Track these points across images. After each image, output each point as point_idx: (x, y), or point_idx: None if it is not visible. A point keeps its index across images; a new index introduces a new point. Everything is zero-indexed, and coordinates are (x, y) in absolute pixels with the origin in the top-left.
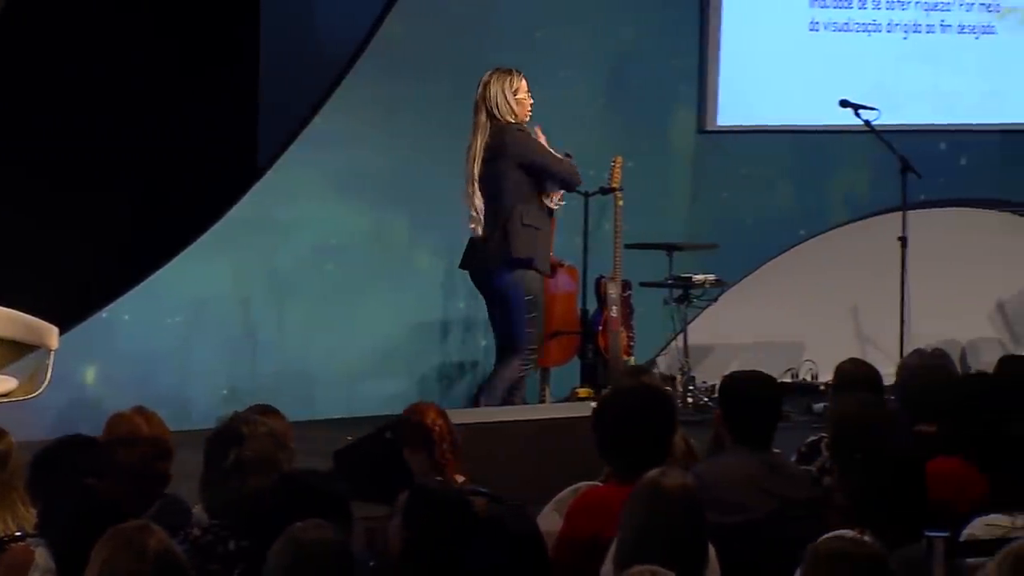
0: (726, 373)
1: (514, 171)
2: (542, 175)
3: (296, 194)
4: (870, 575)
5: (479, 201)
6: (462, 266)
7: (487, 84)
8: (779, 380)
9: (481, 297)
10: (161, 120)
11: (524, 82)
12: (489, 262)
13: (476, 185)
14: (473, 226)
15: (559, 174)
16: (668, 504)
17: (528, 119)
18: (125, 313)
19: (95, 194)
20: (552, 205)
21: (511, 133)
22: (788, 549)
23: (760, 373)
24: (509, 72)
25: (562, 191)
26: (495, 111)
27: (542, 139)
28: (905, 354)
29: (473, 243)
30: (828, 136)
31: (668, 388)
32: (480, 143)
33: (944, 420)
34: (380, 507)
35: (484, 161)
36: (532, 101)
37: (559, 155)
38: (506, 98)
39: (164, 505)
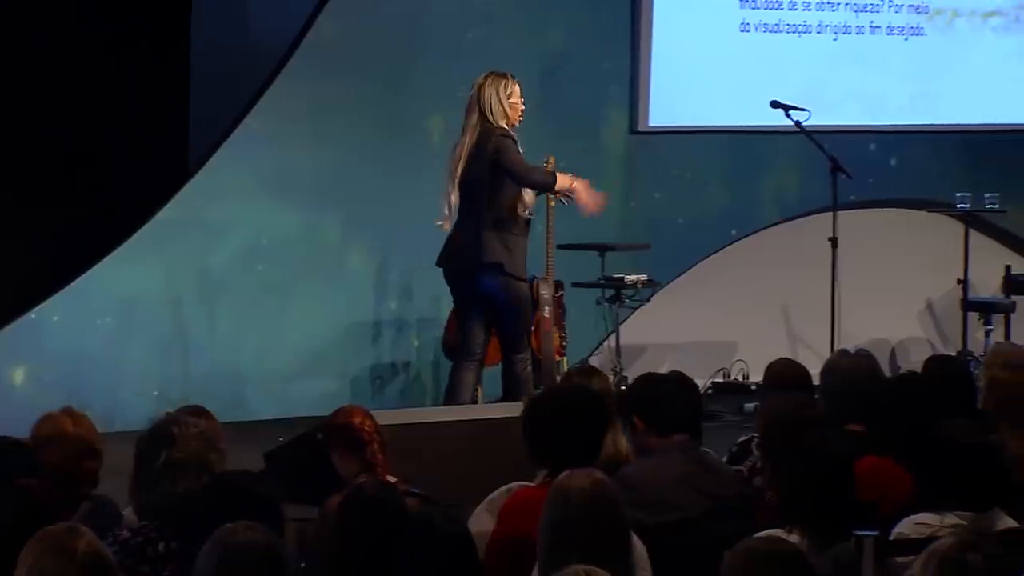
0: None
1: (495, 176)
2: (521, 184)
3: (227, 194)
4: (789, 574)
5: (455, 199)
6: (438, 263)
7: (481, 87)
8: (710, 380)
9: (411, 297)
10: (91, 120)
11: (518, 87)
12: (463, 262)
13: (456, 184)
14: (440, 223)
15: (537, 184)
16: (576, 506)
17: (519, 123)
18: (54, 314)
19: (24, 195)
20: (524, 215)
21: (497, 138)
22: (719, 548)
23: (671, 372)
24: (504, 76)
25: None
26: (488, 113)
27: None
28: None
29: (451, 241)
30: (759, 137)
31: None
32: (468, 144)
33: (872, 420)
34: (311, 508)
35: (468, 163)
36: (524, 107)
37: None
38: (500, 101)
39: (93, 507)
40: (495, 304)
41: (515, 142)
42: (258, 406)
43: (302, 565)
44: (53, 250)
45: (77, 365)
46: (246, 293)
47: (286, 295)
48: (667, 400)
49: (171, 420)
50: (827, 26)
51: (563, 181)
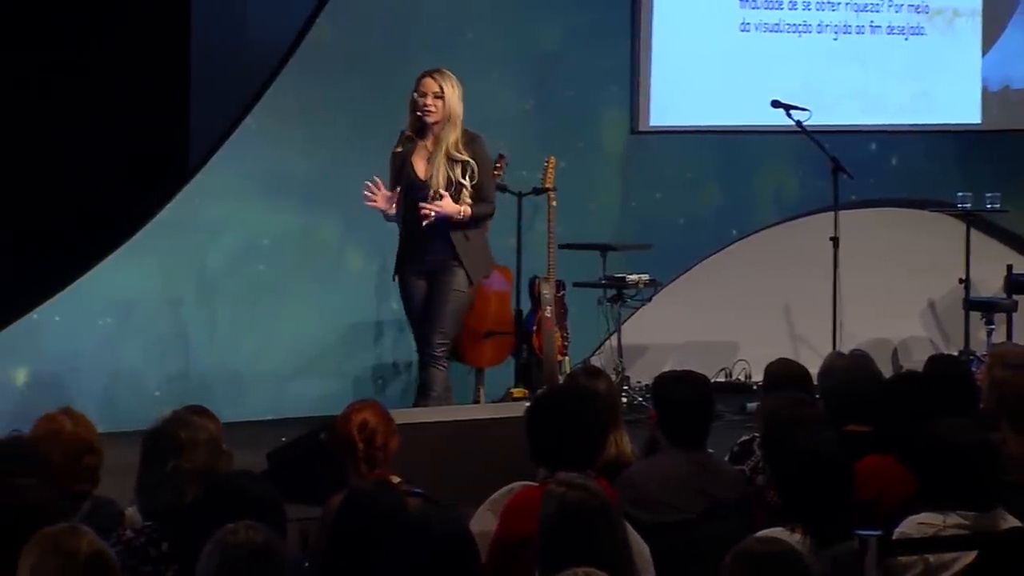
0: (658, 374)
1: None
2: None
3: (226, 195)
4: (787, 574)
5: None
6: None
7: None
8: (712, 380)
9: None
10: (92, 121)
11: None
12: None
13: None
14: None
15: None
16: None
17: (421, 120)
18: (55, 315)
19: (25, 196)
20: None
21: None
22: (719, 548)
23: (691, 373)
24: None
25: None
26: None
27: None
28: None
29: None
30: (759, 137)
31: (623, 390)
32: None
33: (874, 420)
34: (314, 508)
35: None
36: (422, 103)
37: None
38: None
39: (94, 507)
40: None
41: (397, 141)
42: (257, 406)
43: (305, 565)
44: (54, 251)
45: (77, 365)
46: (245, 293)
47: (285, 295)
48: (684, 418)
49: (179, 423)
50: (827, 26)
51: None
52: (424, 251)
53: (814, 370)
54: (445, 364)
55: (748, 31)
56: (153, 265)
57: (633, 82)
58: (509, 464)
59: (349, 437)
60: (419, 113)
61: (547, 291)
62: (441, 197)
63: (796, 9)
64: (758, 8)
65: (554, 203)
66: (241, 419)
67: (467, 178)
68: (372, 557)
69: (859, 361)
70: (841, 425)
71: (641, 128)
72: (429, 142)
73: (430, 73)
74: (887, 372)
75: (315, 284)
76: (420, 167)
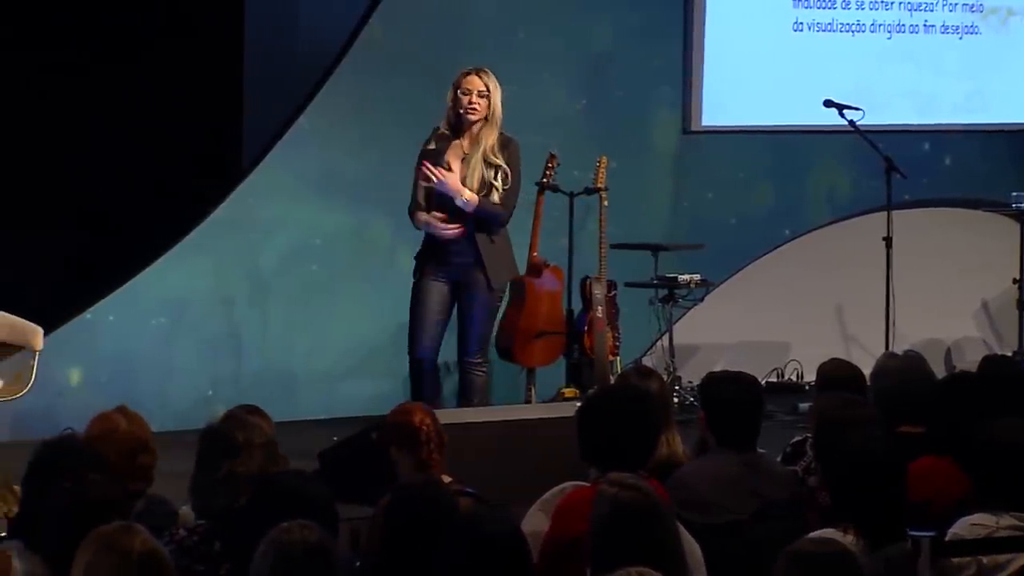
0: (706, 374)
1: None
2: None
3: (279, 194)
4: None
5: None
6: None
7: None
8: (764, 380)
9: None
10: (146, 122)
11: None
12: None
13: None
14: None
15: None
16: (616, 513)
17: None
18: (109, 314)
19: (81, 195)
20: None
21: None
22: (769, 549)
23: (740, 374)
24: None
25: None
26: None
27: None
28: None
29: None
30: (812, 136)
31: (674, 390)
32: None
33: (927, 421)
34: (365, 508)
35: None
36: (466, 101)
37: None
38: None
39: (148, 505)
40: None
41: (430, 137)
42: (309, 406)
43: (356, 564)
44: (108, 251)
45: (131, 365)
46: (298, 293)
47: (337, 295)
48: (733, 418)
49: (235, 424)
50: (880, 25)
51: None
52: (450, 253)
53: (866, 371)
54: (484, 369)
55: (801, 30)
56: (206, 265)
57: (685, 82)
58: (560, 464)
59: (407, 437)
60: (462, 111)
61: (599, 291)
62: (452, 172)
63: (849, 8)
64: (811, 7)
65: (606, 203)
66: (293, 419)
67: (499, 180)
68: (423, 556)
69: (912, 362)
70: (894, 426)
71: (693, 128)
72: (465, 141)
73: (475, 71)
74: (940, 373)
75: (367, 284)
76: (455, 166)
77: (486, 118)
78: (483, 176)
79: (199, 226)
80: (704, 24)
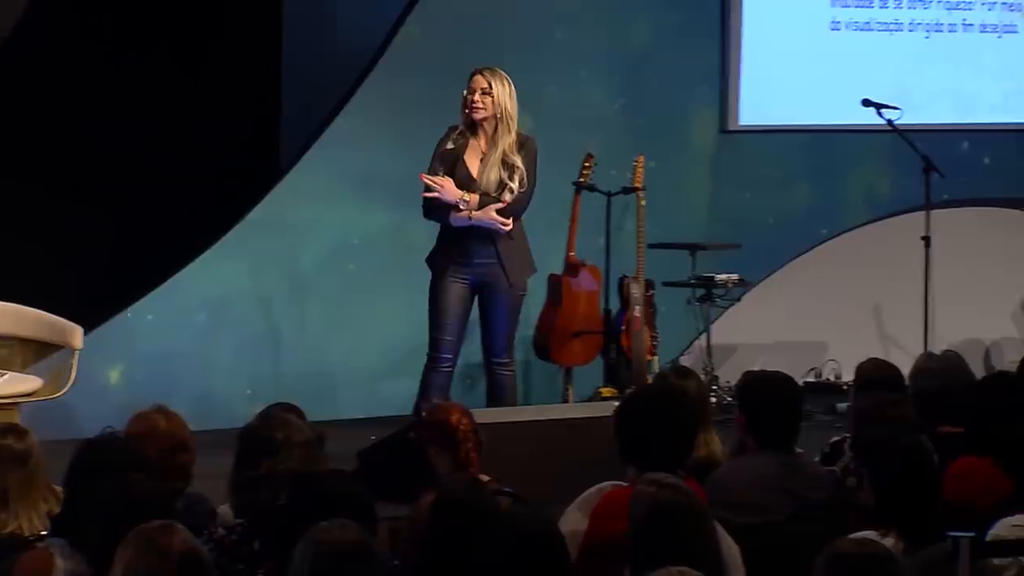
0: (743, 374)
1: None
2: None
3: (317, 194)
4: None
5: None
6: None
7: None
8: (802, 380)
9: None
10: (185, 122)
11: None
12: None
13: None
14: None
15: None
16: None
17: (471, 117)
18: (149, 313)
19: (120, 195)
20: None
21: None
22: (809, 550)
23: (779, 374)
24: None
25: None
26: None
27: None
28: None
29: None
30: (849, 136)
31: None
32: None
33: (966, 421)
34: (404, 507)
35: None
36: (471, 99)
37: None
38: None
39: (187, 504)
40: None
41: (447, 136)
42: (347, 405)
43: (395, 563)
44: (148, 250)
45: (170, 364)
46: (336, 292)
47: (376, 294)
48: (771, 420)
49: (275, 423)
50: (919, 24)
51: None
52: (469, 253)
53: (905, 371)
54: (512, 369)
55: (839, 30)
56: (245, 264)
57: (723, 81)
58: (598, 464)
59: (445, 437)
60: (467, 110)
61: (636, 291)
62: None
63: (887, 7)
64: (849, 7)
65: (643, 203)
66: (332, 418)
67: (515, 181)
68: (463, 556)
69: (952, 362)
70: (934, 426)
71: (731, 127)
72: (482, 141)
73: (480, 70)
74: (979, 373)
75: (405, 283)
76: (473, 166)
77: (497, 117)
78: (499, 177)
79: (237, 226)
80: (742, 23)
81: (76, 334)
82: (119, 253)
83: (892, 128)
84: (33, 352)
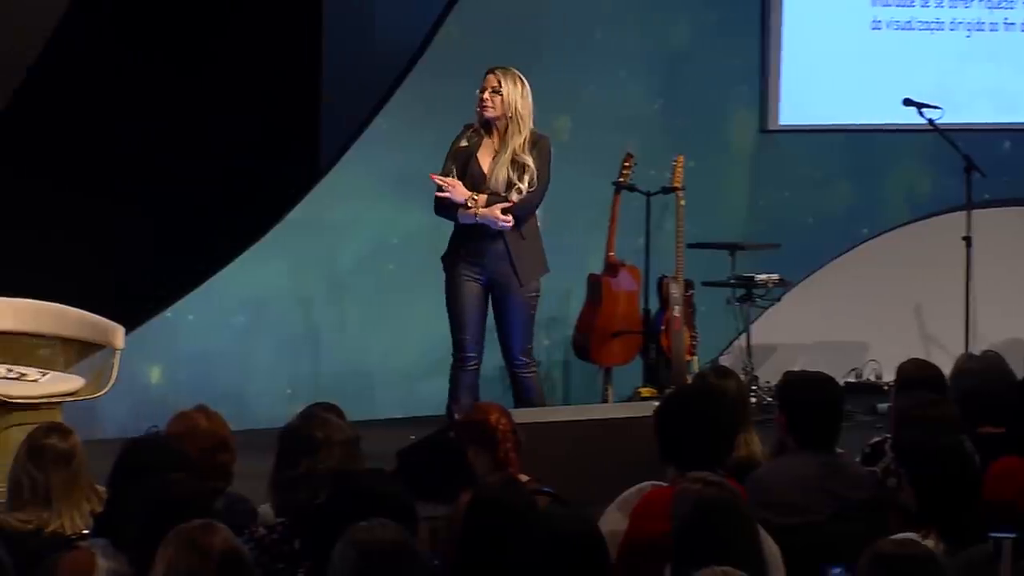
0: (783, 374)
1: None
2: None
3: (356, 194)
4: None
5: None
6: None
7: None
8: (842, 380)
9: (545, 296)
10: (224, 122)
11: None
12: None
13: None
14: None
15: None
16: (697, 512)
17: (482, 116)
18: (189, 313)
19: (160, 196)
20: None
21: None
22: (849, 550)
23: (820, 375)
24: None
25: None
26: None
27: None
28: None
29: None
30: (890, 135)
31: (752, 390)
32: None
33: (1009, 421)
34: (444, 506)
35: None
36: (481, 98)
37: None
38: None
39: (228, 503)
40: None
41: (462, 134)
42: (386, 405)
43: (435, 563)
44: (187, 250)
45: (210, 363)
46: (375, 292)
47: (414, 294)
48: (812, 420)
49: (315, 423)
50: (960, 23)
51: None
52: (480, 252)
53: (945, 371)
54: (534, 369)
55: (879, 29)
56: (284, 264)
57: (763, 80)
58: (638, 464)
59: (484, 436)
60: (478, 108)
61: (676, 290)
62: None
63: (928, 6)
64: (890, 6)
65: (683, 202)
66: (370, 418)
67: (524, 182)
68: (502, 555)
69: (992, 362)
70: (975, 427)
71: (771, 127)
72: (496, 140)
73: (493, 69)
74: (1020, 373)
75: (443, 283)
76: (486, 164)
77: (508, 116)
78: (508, 177)
79: (277, 226)
80: (782, 22)
81: (117, 334)
82: (160, 253)
83: (933, 127)
84: (75, 352)
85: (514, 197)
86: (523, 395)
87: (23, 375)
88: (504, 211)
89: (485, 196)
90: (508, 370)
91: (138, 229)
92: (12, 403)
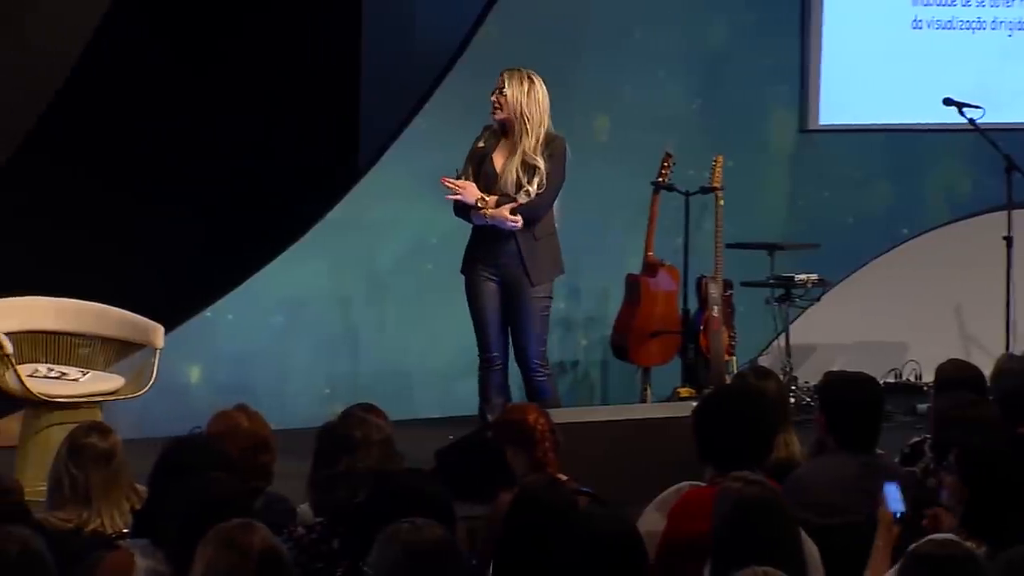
0: (824, 374)
1: None
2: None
3: (395, 194)
4: None
5: None
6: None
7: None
8: (882, 380)
9: (579, 297)
10: (264, 122)
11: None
12: None
13: None
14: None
15: None
16: (739, 512)
17: (494, 118)
18: (228, 313)
19: (201, 196)
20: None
21: None
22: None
23: (860, 375)
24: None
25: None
26: None
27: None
28: None
29: None
30: (930, 135)
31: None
32: None
33: None
34: (482, 506)
35: None
36: (493, 101)
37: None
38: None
39: (267, 503)
40: None
41: (480, 135)
42: (425, 405)
43: (473, 563)
44: (227, 250)
45: (249, 363)
46: (413, 292)
47: (453, 294)
48: (853, 421)
49: (354, 422)
50: (1002, 22)
51: None
52: (496, 252)
53: (986, 371)
54: (548, 371)
55: (920, 28)
56: (323, 264)
57: (802, 80)
58: (676, 464)
59: (522, 436)
60: (491, 110)
61: (714, 290)
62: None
63: (970, 6)
64: (931, 5)
65: (721, 202)
66: (407, 417)
67: (534, 185)
68: (541, 555)
69: None
70: (1014, 427)
71: (810, 126)
72: (510, 141)
73: (504, 71)
74: None
75: None
76: (499, 164)
77: (515, 118)
78: (518, 178)
79: (316, 226)
80: (822, 22)
81: (157, 333)
82: (200, 253)
83: (974, 127)
84: (115, 351)
85: (522, 199)
86: (537, 398)
87: (64, 374)
88: (513, 211)
89: (495, 197)
90: (522, 373)
91: (178, 229)
92: (53, 402)
